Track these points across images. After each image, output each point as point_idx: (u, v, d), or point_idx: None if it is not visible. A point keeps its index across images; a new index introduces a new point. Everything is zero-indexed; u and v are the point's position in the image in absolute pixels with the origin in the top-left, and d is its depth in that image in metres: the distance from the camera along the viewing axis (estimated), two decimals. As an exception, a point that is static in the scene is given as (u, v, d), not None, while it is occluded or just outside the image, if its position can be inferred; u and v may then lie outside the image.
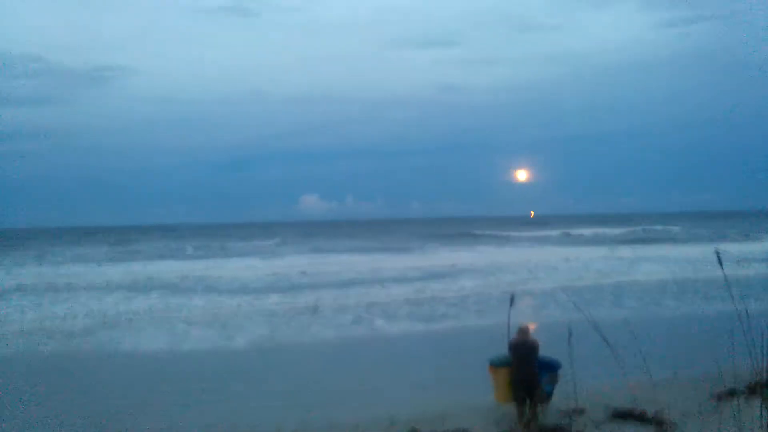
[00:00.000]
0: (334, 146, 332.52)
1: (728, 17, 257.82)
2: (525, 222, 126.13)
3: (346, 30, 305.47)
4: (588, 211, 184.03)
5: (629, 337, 8.71)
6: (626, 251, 49.36)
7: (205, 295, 29.04)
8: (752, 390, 9.45)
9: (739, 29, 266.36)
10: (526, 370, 10.65)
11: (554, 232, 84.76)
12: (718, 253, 5.21)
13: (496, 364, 11.25)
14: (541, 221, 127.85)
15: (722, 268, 5.28)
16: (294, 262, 43.92)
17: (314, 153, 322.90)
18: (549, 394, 11.11)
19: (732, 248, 43.30)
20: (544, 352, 10.92)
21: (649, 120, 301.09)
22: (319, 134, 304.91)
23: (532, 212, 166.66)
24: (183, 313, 24.93)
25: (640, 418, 10.43)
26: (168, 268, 40.84)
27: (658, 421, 10.20)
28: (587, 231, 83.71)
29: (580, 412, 10.39)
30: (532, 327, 13.25)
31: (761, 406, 5.86)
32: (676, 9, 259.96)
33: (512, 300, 11.84)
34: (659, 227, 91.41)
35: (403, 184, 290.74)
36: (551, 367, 11.06)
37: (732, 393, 9.85)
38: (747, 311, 5.78)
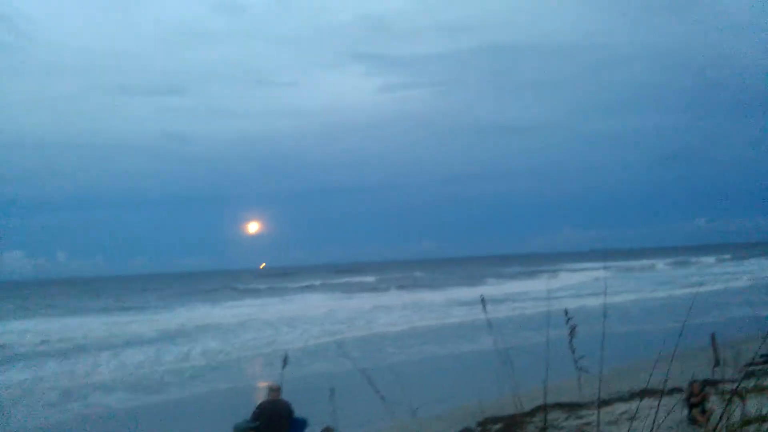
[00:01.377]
0: (44, 196, 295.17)
1: (443, 84, 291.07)
2: (263, 274, 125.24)
3: (63, 72, 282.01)
4: (327, 261, 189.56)
5: (396, 381, 8.08)
6: (388, 298, 51.10)
7: None
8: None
9: (452, 94, 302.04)
10: (274, 429, 9.59)
11: (298, 284, 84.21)
12: (482, 298, 5.29)
13: (241, 429, 10.01)
14: (278, 272, 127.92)
15: (485, 311, 5.31)
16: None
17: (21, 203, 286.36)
18: None
19: (491, 291, 46.68)
20: (312, 408, 9.98)
21: (378, 175, 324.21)
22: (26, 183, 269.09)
23: (263, 264, 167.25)
24: None
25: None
26: None
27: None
28: (337, 281, 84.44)
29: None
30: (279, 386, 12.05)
31: None
32: (395, 75, 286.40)
33: (285, 360, 10.56)
34: (399, 274, 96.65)
35: (131, 237, 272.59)
36: (299, 427, 10.18)
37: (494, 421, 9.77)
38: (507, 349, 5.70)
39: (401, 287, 67.17)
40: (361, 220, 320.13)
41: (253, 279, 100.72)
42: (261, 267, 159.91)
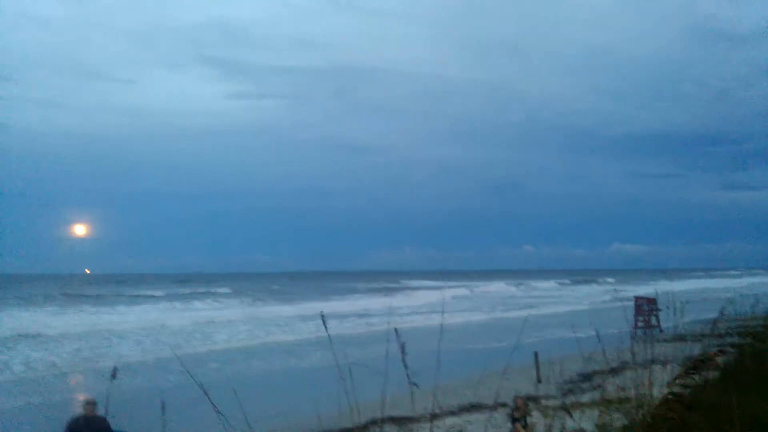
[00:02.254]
0: None
1: (293, 97, 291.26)
2: (93, 280, 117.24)
3: None
4: (162, 270, 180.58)
5: (233, 396, 7.76)
6: (231, 312, 49.46)
7: None
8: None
9: (301, 109, 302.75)
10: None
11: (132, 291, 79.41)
12: (322, 315, 5.40)
13: None
14: (110, 279, 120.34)
15: (326, 328, 5.50)
16: None
17: None
18: None
19: (336, 307, 46.55)
20: (142, 423, 9.40)
21: (222, 184, 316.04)
22: None
23: (88, 269, 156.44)
24: None
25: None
26: None
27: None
28: (175, 291, 79.91)
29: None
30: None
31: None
32: (245, 83, 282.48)
33: (114, 373, 9.79)
34: (242, 285, 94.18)
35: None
36: None
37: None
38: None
39: (243, 299, 65.61)
40: (204, 228, 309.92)
41: (81, 285, 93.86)
42: (86, 272, 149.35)
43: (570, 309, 51.21)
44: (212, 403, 5.50)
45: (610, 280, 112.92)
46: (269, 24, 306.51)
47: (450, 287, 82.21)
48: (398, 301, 62.77)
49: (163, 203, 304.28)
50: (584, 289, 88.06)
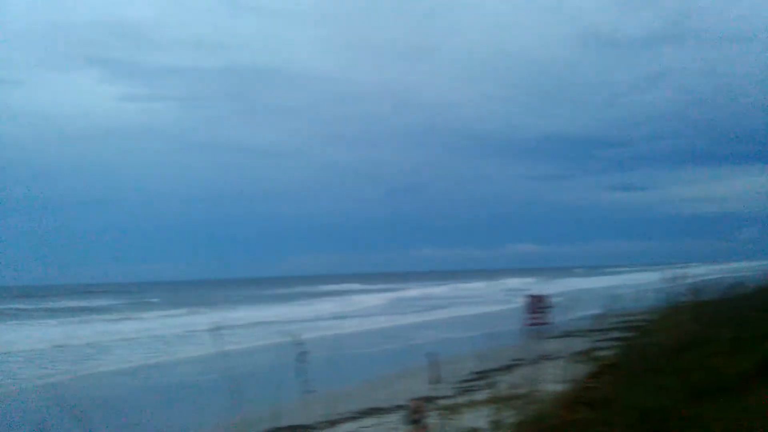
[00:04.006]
0: None
1: (186, 99, 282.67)
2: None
3: None
4: (40, 282, 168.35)
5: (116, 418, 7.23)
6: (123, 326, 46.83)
7: None
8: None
9: (196, 111, 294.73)
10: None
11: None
12: (214, 325, 4.87)
13: None
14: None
15: (215, 339, 4.98)
16: None
17: None
18: None
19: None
20: None
21: (114, 189, 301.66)
22: None
23: None
24: None
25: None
26: None
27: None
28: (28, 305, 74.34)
29: None
30: None
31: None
32: (139, 85, 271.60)
33: None
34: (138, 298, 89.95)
35: None
36: None
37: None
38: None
39: (139, 312, 62.56)
40: (96, 236, 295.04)
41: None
42: None
43: (468, 309, 52.39)
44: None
45: (509, 279, 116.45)
46: (162, 24, 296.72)
47: (354, 292, 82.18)
48: (298, 308, 61.86)
49: (53, 209, 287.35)
50: (481, 289, 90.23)
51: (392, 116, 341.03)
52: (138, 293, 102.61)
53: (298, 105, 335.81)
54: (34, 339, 38.73)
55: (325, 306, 60.66)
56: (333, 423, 14.64)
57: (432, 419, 12.84)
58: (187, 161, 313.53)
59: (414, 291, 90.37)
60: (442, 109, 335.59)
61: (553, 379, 9.44)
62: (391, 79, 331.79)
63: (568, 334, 24.65)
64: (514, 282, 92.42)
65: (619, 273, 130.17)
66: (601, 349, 15.03)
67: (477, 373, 19.46)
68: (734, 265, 77.97)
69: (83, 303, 78.12)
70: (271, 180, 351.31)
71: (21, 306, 72.08)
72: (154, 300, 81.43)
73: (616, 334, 19.50)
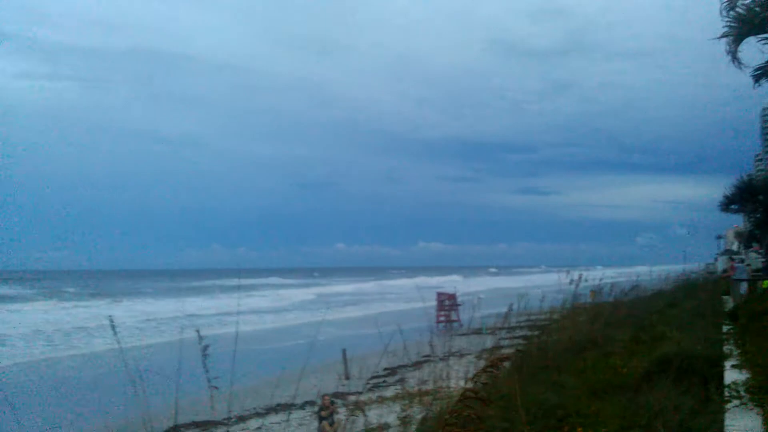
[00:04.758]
0: None
1: (89, 80, 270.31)
2: None
3: None
4: None
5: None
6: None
7: None
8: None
9: (99, 93, 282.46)
10: None
11: None
12: (111, 319, 5.46)
13: None
14: None
15: (115, 333, 5.52)
16: None
17: None
18: None
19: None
20: None
21: (9, 171, 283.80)
22: None
23: None
24: None
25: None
26: None
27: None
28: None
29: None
30: None
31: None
32: (37, 63, 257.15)
33: None
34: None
35: None
36: None
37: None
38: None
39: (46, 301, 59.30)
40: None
41: None
42: None
43: (381, 306, 52.74)
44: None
45: (424, 277, 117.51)
46: (69, 2, 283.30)
47: (269, 286, 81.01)
48: (201, 303, 60.23)
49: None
50: (391, 286, 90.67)
51: (308, 111, 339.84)
52: (40, 281, 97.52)
53: (211, 94, 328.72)
54: None
55: (246, 300, 59.25)
56: (241, 419, 14.48)
57: (342, 415, 12.92)
58: (89, 144, 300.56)
59: (330, 287, 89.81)
60: (356, 106, 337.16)
61: (460, 376, 9.70)
62: (307, 74, 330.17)
63: (476, 332, 25.32)
64: (429, 280, 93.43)
65: (526, 274, 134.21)
66: (506, 346, 15.52)
67: (387, 369, 19.68)
68: (633, 269, 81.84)
69: None
70: (179, 170, 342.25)
71: None
72: (70, 290, 77.15)
73: (520, 333, 20.20)
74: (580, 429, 5.89)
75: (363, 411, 7.83)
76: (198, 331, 4.85)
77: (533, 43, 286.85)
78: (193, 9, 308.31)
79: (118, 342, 5.65)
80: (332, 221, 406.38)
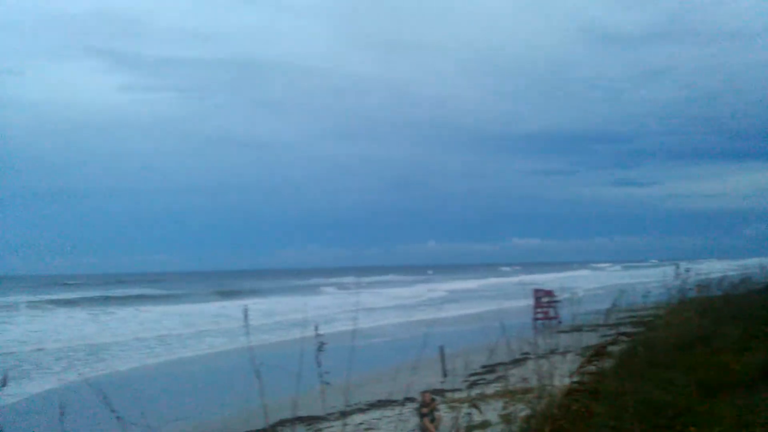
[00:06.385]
0: None
1: (188, 90, 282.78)
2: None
3: None
4: (42, 272, 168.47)
5: (135, 399, 7.42)
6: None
7: None
8: None
9: (196, 102, 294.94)
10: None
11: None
12: (246, 310, 5.32)
13: None
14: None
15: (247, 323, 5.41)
16: None
17: None
18: None
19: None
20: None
21: (113, 179, 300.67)
22: None
23: None
24: None
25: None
26: None
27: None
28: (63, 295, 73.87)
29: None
30: None
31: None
32: (137, 75, 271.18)
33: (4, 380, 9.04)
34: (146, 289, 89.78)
35: None
36: None
37: None
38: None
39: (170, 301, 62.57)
40: (92, 227, 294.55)
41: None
42: None
43: (480, 303, 52.50)
44: (111, 408, 5.23)
45: (523, 275, 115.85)
46: (161, 14, 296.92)
47: (364, 285, 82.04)
48: (318, 300, 61.65)
49: (48, 201, 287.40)
50: (492, 284, 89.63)
51: (392, 111, 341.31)
52: (160, 283, 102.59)
53: (297, 98, 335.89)
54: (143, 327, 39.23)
55: (357, 298, 59.86)
56: (344, 414, 14.86)
57: (442, 412, 13.02)
58: (187, 152, 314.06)
59: (437, 285, 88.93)
60: (440, 104, 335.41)
61: (563, 373, 9.60)
62: (390, 74, 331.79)
63: (576, 329, 24.74)
64: (530, 277, 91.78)
65: (625, 269, 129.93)
66: (610, 344, 15.19)
67: (486, 366, 19.61)
68: (740, 261, 77.72)
69: (131, 291, 77.63)
70: (270, 173, 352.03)
71: (80, 295, 71.30)
72: (180, 291, 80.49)
73: (624, 329, 19.66)
74: (692, 428, 5.76)
75: (478, 407, 7.87)
76: (313, 328, 5.11)
77: (625, 28, 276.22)
78: (276, 16, 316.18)
79: (248, 340, 5.94)
80: (419, 219, 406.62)
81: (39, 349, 28.85)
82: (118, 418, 5.21)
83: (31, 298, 66.68)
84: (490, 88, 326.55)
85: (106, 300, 64.59)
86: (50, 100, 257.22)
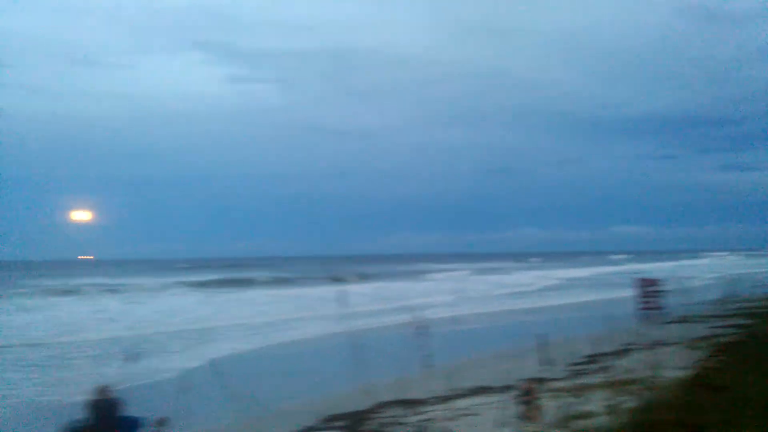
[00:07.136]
0: None
1: (285, 81, 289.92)
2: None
3: None
4: (157, 256, 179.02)
5: (246, 377, 7.83)
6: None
7: None
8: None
9: (292, 93, 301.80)
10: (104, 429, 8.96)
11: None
12: (346, 289, 5.25)
13: (68, 429, 9.26)
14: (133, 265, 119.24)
15: (347, 302, 5.44)
16: None
17: None
18: None
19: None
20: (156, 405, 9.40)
21: (219, 167, 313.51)
22: None
23: (90, 256, 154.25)
24: None
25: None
26: None
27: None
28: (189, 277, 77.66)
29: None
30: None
31: None
32: (238, 67, 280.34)
33: (133, 356, 9.86)
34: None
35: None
36: (130, 426, 9.52)
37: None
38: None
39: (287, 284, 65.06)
40: (201, 212, 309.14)
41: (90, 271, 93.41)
42: (89, 258, 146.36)
43: (579, 290, 51.45)
44: (226, 386, 5.58)
45: (619, 258, 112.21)
46: (258, 6, 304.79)
47: (464, 271, 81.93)
48: (424, 286, 62.16)
49: (161, 188, 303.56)
50: (604, 272, 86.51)
51: (489, 97, 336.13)
52: (271, 267, 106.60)
53: (392, 86, 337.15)
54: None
55: (462, 285, 60.40)
56: (445, 399, 15.00)
57: (543, 401, 12.90)
58: (286, 141, 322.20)
59: (536, 273, 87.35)
60: (537, 89, 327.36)
61: (671, 365, 9.31)
62: (485, 61, 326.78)
63: (684, 320, 23.84)
64: (637, 266, 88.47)
65: (745, 257, 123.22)
66: (721, 335, 14.47)
67: (589, 356, 19.24)
68: None
69: (252, 275, 79.60)
70: (366, 160, 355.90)
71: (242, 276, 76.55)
72: (289, 275, 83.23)
73: (736, 321, 18.73)
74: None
75: (567, 397, 7.81)
76: (416, 313, 5.24)
77: (730, 6, 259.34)
78: (370, 5, 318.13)
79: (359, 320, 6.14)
80: (518, 206, 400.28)
81: (165, 332, 30.50)
82: (234, 396, 5.58)
83: (164, 280, 70.98)
84: (588, 71, 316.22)
85: (231, 282, 68.27)
86: (157, 93, 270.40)
